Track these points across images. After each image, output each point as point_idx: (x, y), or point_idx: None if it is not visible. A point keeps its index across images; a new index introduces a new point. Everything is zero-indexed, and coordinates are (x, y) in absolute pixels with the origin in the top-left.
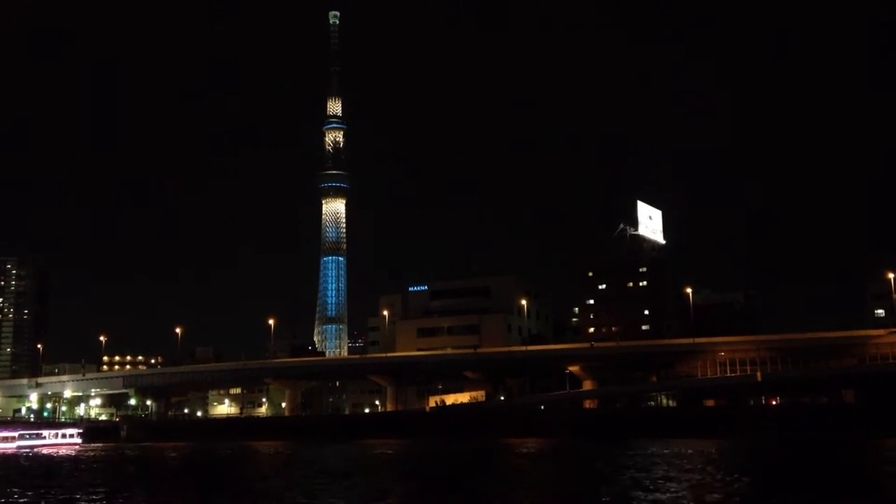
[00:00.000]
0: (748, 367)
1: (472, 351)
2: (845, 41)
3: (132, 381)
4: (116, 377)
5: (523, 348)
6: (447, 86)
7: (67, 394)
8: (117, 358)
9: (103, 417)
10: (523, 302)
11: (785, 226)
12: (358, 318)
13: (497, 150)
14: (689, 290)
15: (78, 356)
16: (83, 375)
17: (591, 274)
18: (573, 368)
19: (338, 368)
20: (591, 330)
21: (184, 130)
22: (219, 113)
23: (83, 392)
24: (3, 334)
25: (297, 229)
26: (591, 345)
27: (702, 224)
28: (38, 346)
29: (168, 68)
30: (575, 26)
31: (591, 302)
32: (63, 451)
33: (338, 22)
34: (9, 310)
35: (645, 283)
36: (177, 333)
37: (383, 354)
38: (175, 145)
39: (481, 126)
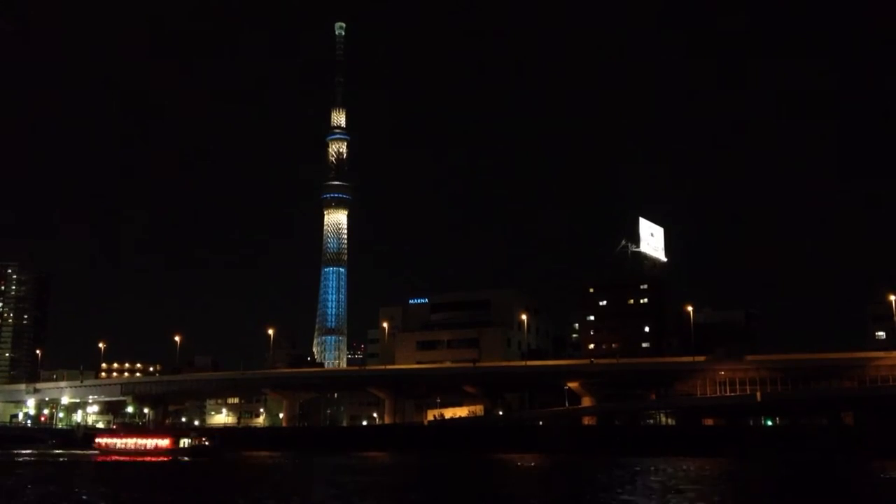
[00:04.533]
0: (748, 387)
1: (471, 365)
2: (854, 73)
3: (130, 389)
4: (114, 384)
5: (522, 363)
6: (451, 98)
7: (65, 400)
8: (116, 365)
9: (100, 425)
10: (523, 316)
11: (786, 247)
12: (358, 330)
13: (500, 164)
14: (689, 308)
15: (77, 362)
16: (81, 382)
17: (591, 290)
18: (572, 384)
19: (336, 380)
20: (591, 346)
21: (182, 135)
22: (219, 116)
23: (81, 399)
24: (2, 339)
25: (298, 239)
26: (591, 361)
27: (703, 243)
28: (37, 351)
29: (169, 71)
30: (577, 40)
31: (592, 318)
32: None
33: (343, 33)
34: (8, 314)
35: (646, 300)
36: (175, 342)
37: (382, 367)
38: (175, 151)
39: (484, 139)
